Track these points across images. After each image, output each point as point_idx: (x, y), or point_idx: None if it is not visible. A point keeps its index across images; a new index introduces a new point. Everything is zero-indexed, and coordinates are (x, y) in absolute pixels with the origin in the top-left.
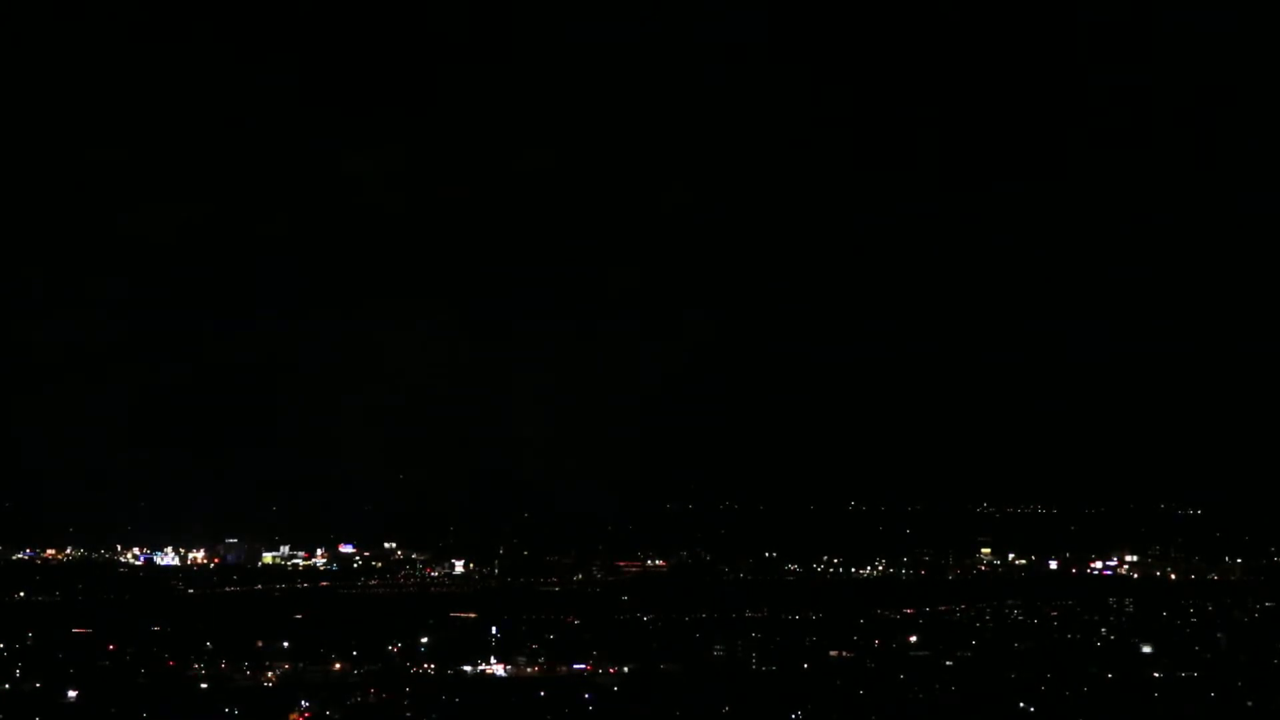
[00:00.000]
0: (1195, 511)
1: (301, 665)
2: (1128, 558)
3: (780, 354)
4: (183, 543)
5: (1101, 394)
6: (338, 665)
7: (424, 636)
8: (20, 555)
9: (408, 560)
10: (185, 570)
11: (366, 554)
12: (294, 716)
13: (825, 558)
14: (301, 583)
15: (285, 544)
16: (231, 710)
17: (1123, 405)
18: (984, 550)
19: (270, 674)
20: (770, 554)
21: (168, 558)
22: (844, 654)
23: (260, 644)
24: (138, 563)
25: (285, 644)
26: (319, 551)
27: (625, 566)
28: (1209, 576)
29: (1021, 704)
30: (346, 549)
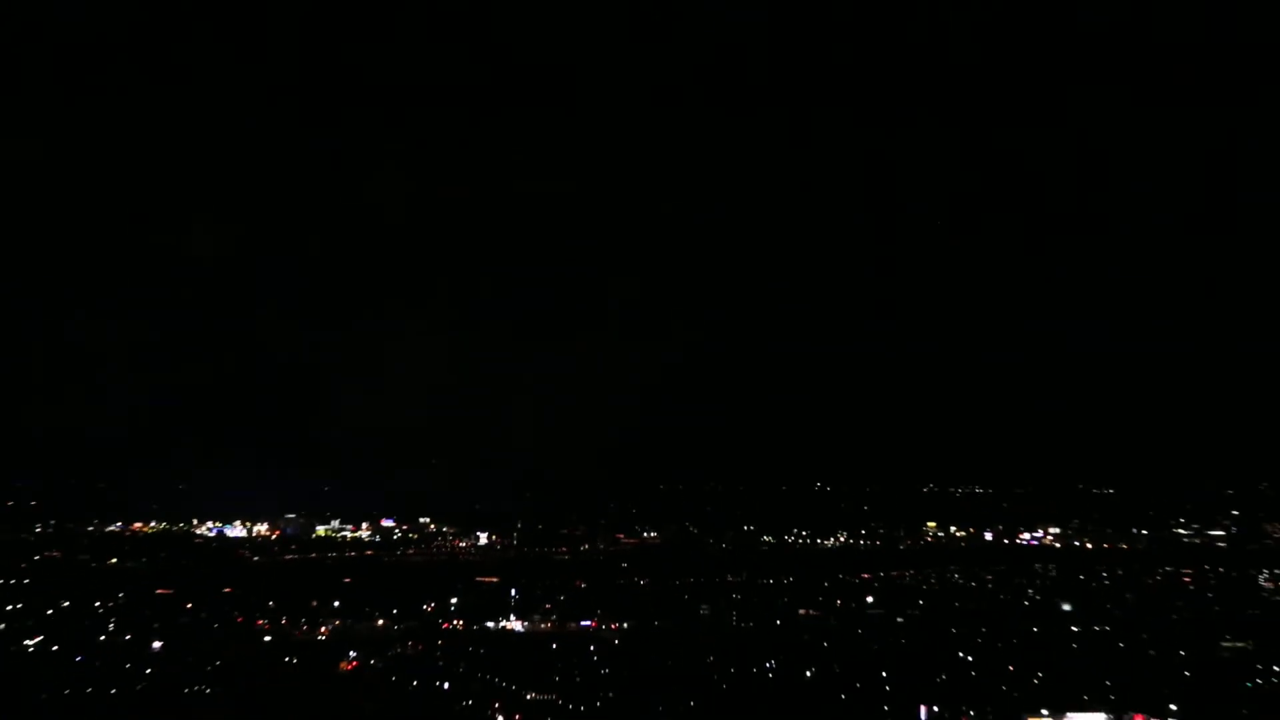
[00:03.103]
0: (1108, 491)
1: (349, 622)
2: (1051, 530)
3: (756, 359)
4: (249, 518)
5: (1030, 390)
6: (380, 622)
7: (453, 598)
8: (113, 528)
9: (439, 533)
10: (251, 541)
11: (405, 527)
12: (344, 665)
13: (795, 530)
14: (349, 552)
15: (335, 519)
16: (291, 660)
17: (1048, 399)
18: (930, 524)
19: (323, 629)
20: (748, 528)
21: (236, 530)
22: (811, 612)
23: (315, 604)
24: (211, 534)
25: (336, 603)
26: (364, 525)
27: (624, 539)
28: (1119, 546)
29: (961, 654)
30: (387, 523)
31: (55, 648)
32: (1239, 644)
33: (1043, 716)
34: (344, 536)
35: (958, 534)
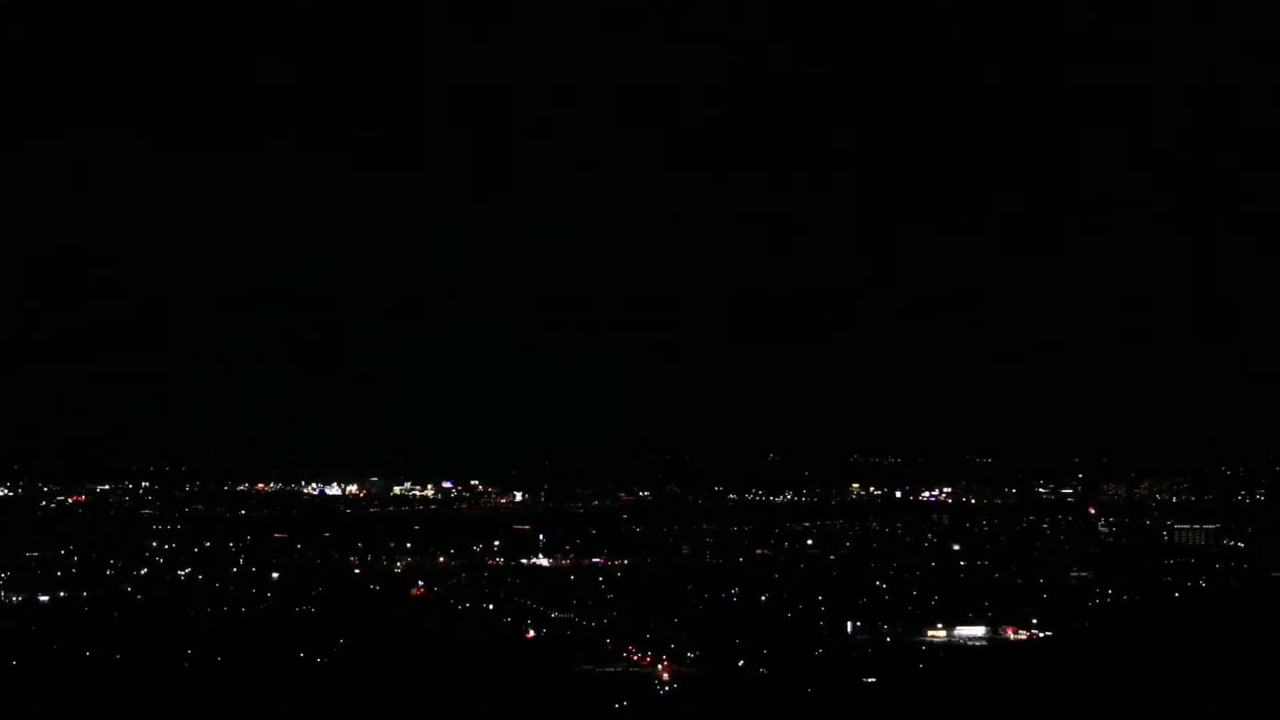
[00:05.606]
0: (987, 460)
1: (418, 558)
2: (945, 489)
3: (719, 356)
4: (343, 480)
5: (929, 382)
6: (441, 559)
7: (496, 541)
8: (242, 487)
9: (486, 492)
10: (344, 498)
11: (460, 488)
12: (414, 591)
13: (753, 490)
14: (418, 506)
15: (408, 481)
16: (375, 587)
17: (942, 388)
18: (855, 485)
19: (399, 564)
20: (718, 488)
21: (333, 489)
22: (765, 552)
23: (392, 545)
24: (314, 492)
25: (408, 545)
26: (429, 486)
27: (624, 497)
28: (995, 502)
29: (877, 582)
30: (447, 485)
31: (200, 577)
32: (1083, 573)
33: (939, 629)
34: (414, 494)
35: (875, 492)
